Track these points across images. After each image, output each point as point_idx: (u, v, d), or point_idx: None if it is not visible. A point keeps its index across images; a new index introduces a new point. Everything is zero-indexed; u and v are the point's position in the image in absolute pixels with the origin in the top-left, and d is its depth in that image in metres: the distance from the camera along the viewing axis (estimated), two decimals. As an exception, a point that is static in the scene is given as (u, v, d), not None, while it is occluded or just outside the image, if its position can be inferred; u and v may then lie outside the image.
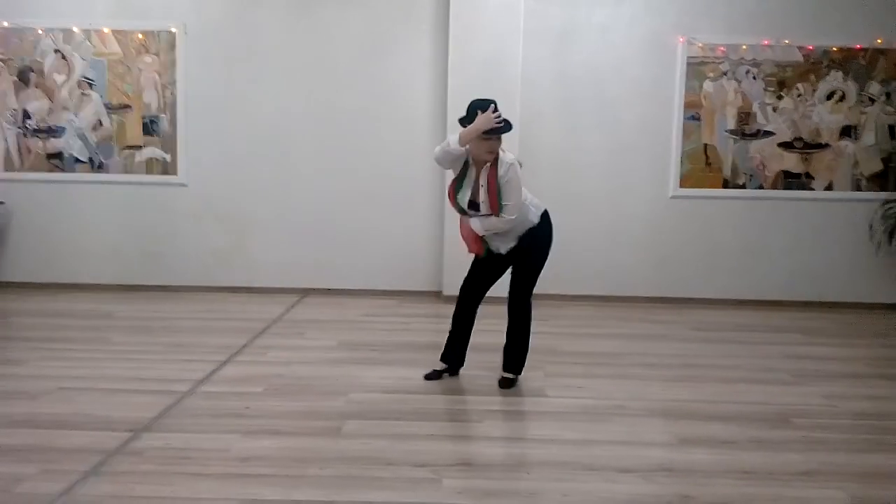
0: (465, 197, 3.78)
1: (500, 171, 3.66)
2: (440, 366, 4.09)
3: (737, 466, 3.02)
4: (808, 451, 3.20)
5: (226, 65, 6.15)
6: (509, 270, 3.97)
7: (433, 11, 6.07)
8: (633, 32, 6.06)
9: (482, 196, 3.73)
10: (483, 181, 3.71)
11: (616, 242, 6.24)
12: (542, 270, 3.95)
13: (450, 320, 4.11)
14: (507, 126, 3.64)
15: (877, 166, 6.16)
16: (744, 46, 6.02)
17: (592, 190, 6.18)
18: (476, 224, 3.80)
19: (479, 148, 3.66)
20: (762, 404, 3.78)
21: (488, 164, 3.69)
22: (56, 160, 6.22)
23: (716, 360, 4.62)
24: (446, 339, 4.10)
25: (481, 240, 3.86)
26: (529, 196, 3.88)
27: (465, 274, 4.05)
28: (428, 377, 4.05)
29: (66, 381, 3.91)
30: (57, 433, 3.20)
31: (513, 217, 3.71)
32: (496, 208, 3.70)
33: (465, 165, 3.78)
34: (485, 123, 3.58)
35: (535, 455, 3.11)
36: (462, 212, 3.84)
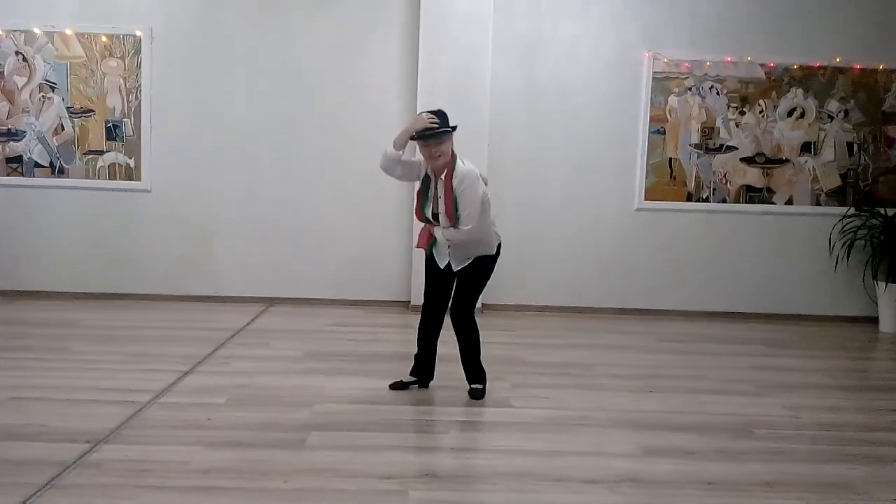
0: (428, 209, 3.80)
1: (455, 181, 3.65)
2: (408, 378, 4.07)
3: (700, 477, 3.05)
4: (770, 461, 3.24)
5: (192, 70, 6.08)
6: None
7: (403, 19, 6.08)
8: (599, 47, 6.14)
9: (441, 207, 3.73)
10: (440, 192, 3.72)
11: (582, 254, 6.29)
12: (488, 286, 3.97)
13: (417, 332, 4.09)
14: (438, 132, 3.61)
15: (835, 182, 6.31)
16: (707, 63, 6.15)
17: (559, 202, 6.23)
18: (439, 235, 3.80)
19: (422, 153, 3.71)
20: (726, 415, 3.83)
21: (444, 176, 3.68)
22: (15, 164, 6.08)
23: (681, 371, 4.67)
24: (415, 354, 4.08)
25: (428, 240, 3.86)
26: (495, 224, 3.91)
27: None
28: (393, 387, 4.02)
29: (22, 390, 3.80)
30: (12, 445, 3.11)
31: (468, 227, 3.67)
32: (452, 219, 3.69)
33: (427, 178, 3.79)
34: (415, 123, 3.66)
35: (501, 466, 3.11)
36: (428, 222, 3.85)
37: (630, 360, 4.88)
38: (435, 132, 3.61)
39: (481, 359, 3.99)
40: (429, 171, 3.79)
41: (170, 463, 2.98)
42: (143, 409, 3.59)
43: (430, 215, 3.80)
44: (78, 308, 5.79)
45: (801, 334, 5.87)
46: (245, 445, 3.19)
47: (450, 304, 3.93)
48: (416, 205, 3.86)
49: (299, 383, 4.09)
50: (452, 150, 3.70)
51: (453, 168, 3.68)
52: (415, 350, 4.08)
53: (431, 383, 4.09)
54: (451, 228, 3.73)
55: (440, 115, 3.68)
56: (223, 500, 2.69)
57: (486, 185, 3.78)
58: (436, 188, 3.76)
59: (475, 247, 3.81)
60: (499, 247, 3.93)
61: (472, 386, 3.97)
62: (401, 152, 3.72)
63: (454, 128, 3.69)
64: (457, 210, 3.67)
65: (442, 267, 3.87)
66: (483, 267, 3.87)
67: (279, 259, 6.23)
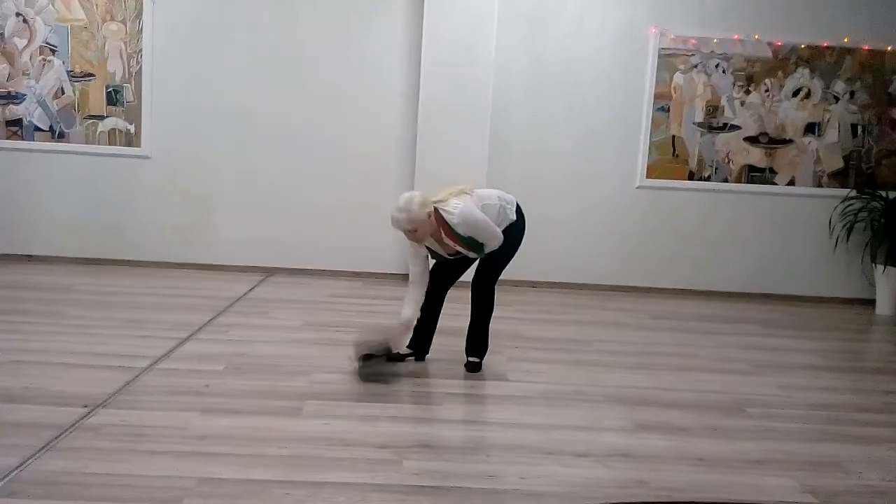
0: (443, 254, 3.80)
1: (458, 230, 3.60)
2: (405, 350, 4.08)
3: (691, 453, 3.08)
4: (761, 439, 3.27)
5: (194, 37, 6.02)
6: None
7: (407, -9, 6.00)
8: (605, 22, 6.08)
9: (459, 249, 3.72)
10: (448, 243, 3.69)
11: (582, 230, 6.28)
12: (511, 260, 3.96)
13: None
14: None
15: (838, 164, 6.29)
16: (714, 40, 6.08)
17: (560, 177, 6.21)
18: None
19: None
20: (719, 393, 3.85)
21: (442, 234, 3.65)
22: (15, 127, 6.05)
23: (675, 348, 4.69)
24: (415, 326, 4.08)
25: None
26: (501, 194, 3.87)
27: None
28: (389, 359, 4.03)
29: (19, 354, 3.83)
30: (10, 407, 3.13)
31: (501, 239, 3.69)
32: (477, 250, 3.70)
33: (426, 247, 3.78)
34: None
35: (495, 438, 3.14)
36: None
37: (625, 336, 4.91)
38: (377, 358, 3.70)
39: (489, 334, 4.00)
40: (427, 244, 3.76)
41: (167, 428, 3.01)
42: (141, 374, 3.61)
43: (449, 256, 3.79)
44: (76, 273, 5.81)
45: (797, 315, 5.89)
46: (242, 413, 3.22)
47: (476, 273, 3.91)
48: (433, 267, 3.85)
49: (297, 353, 4.11)
50: (432, 213, 3.59)
51: (444, 222, 3.61)
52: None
53: (428, 355, 4.11)
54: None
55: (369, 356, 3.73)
56: (219, 465, 2.72)
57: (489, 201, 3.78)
58: (440, 244, 3.73)
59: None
60: (518, 212, 3.88)
61: (470, 359, 4.00)
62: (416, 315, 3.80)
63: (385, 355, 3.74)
64: (478, 243, 3.66)
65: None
66: (510, 238, 3.84)
67: (278, 229, 6.23)
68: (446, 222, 3.61)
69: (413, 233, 3.60)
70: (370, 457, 2.87)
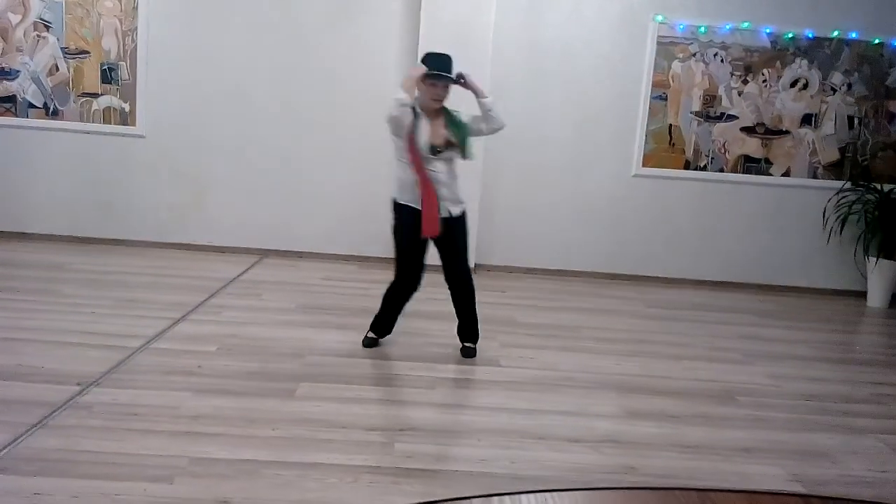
0: (425, 141, 3.72)
1: (453, 113, 3.74)
2: (371, 334, 4.06)
3: (681, 440, 3.10)
4: (750, 428, 3.30)
5: (190, 15, 5.97)
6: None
7: (406, -27, 5.96)
8: (605, 7, 6.05)
9: (443, 134, 3.71)
10: (440, 127, 3.72)
11: (577, 217, 6.28)
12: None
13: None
14: (449, 75, 3.69)
15: (834, 155, 6.29)
16: (714, 29, 6.06)
17: (556, 164, 6.20)
18: (441, 172, 3.78)
19: (427, 94, 3.70)
20: (710, 381, 3.88)
21: (438, 119, 3.72)
22: (8, 104, 6.00)
23: (668, 337, 4.72)
24: (378, 315, 4.03)
25: (436, 213, 3.79)
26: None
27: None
28: (366, 344, 4.02)
29: (12, 331, 3.82)
30: (1, 384, 3.13)
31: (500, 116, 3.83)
32: (462, 138, 3.73)
33: (415, 117, 3.71)
34: (418, 69, 3.72)
35: (486, 423, 3.15)
36: (420, 164, 3.72)
37: (618, 324, 4.92)
38: (445, 76, 3.67)
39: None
40: (417, 109, 3.72)
41: (159, 408, 3.01)
42: (134, 354, 3.61)
43: (426, 149, 3.70)
44: (69, 252, 5.79)
45: (789, 305, 5.92)
46: (234, 393, 3.22)
47: (451, 264, 3.88)
48: (413, 152, 3.70)
49: (290, 335, 4.12)
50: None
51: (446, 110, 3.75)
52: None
53: (420, 340, 4.13)
54: (490, 113, 3.80)
55: (448, 59, 3.72)
56: (211, 445, 2.73)
57: None
58: (431, 125, 3.73)
59: (458, 185, 3.86)
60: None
61: (465, 344, 4.01)
62: (413, 100, 3.69)
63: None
64: (465, 138, 3.73)
65: (445, 215, 3.79)
66: (466, 220, 3.91)
67: (273, 211, 6.21)
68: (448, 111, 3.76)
69: (446, 88, 3.72)
70: (362, 439, 2.88)
